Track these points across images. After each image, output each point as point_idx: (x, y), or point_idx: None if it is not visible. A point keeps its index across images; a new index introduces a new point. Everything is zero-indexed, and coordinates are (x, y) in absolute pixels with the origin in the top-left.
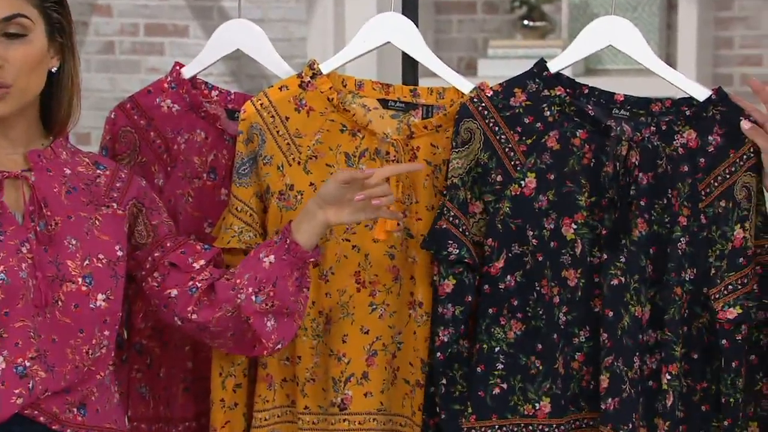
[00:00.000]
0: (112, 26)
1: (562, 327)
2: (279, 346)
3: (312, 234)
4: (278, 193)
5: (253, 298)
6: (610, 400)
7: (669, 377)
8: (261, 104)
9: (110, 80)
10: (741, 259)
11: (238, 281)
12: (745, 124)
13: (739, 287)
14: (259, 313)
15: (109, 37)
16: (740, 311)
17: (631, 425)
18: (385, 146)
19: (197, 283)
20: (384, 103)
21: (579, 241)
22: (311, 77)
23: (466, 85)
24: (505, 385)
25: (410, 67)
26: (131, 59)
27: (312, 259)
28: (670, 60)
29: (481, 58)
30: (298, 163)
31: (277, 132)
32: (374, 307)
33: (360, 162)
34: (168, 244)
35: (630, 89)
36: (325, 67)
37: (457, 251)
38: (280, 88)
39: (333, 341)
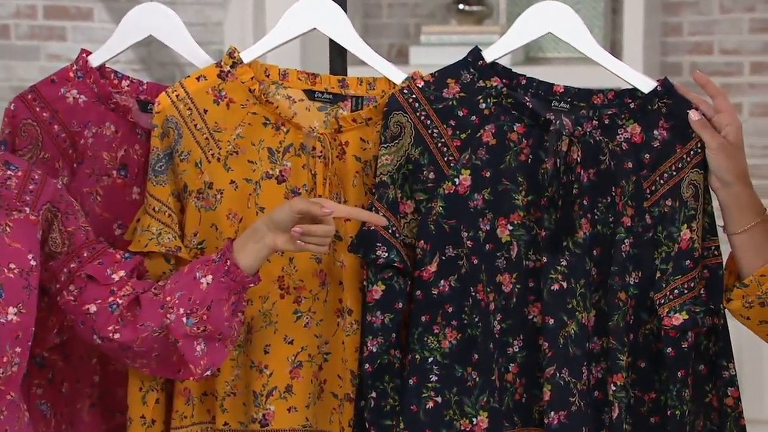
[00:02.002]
0: (7, 8)
1: (496, 336)
2: (208, 372)
3: (256, 257)
4: (196, 191)
5: (185, 320)
6: (553, 414)
7: (614, 388)
8: (177, 96)
9: (6, 68)
10: (688, 262)
11: (168, 299)
12: (693, 115)
13: (686, 291)
14: (189, 337)
15: (4, 20)
16: (686, 317)
17: None
18: (312, 141)
19: (118, 298)
20: (310, 94)
21: (514, 243)
22: (231, 66)
23: (398, 75)
24: (439, 399)
25: (338, 56)
26: (29, 45)
27: (252, 285)
28: (615, 47)
29: (413, 45)
30: (218, 159)
31: (195, 126)
32: (299, 314)
33: (284, 158)
34: (85, 254)
35: (574, 79)
36: (247, 56)
37: (387, 254)
38: (198, 78)
39: (254, 352)
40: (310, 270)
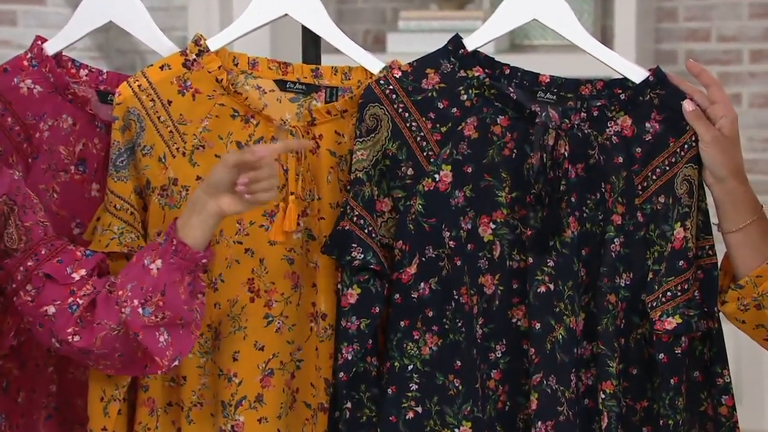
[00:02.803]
0: None
1: (478, 341)
2: (175, 362)
3: (203, 230)
4: (160, 188)
5: (140, 310)
6: (540, 423)
7: (604, 396)
8: (139, 86)
9: None
10: (681, 262)
11: (120, 293)
12: (687, 106)
13: (679, 294)
14: (148, 328)
15: None
16: (680, 321)
17: None
18: (283, 134)
19: (78, 299)
20: (282, 84)
21: (497, 242)
22: (197, 55)
23: (374, 64)
24: (419, 409)
25: (311, 44)
26: None
27: (204, 260)
28: (606, 34)
29: (390, 31)
30: (183, 153)
31: (158, 118)
32: (270, 319)
33: None
34: (43, 251)
35: (563, 68)
36: (213, 43)
37: (362, 256)
38: (162, 68)
39: (222, 359)
40: (282, 271)
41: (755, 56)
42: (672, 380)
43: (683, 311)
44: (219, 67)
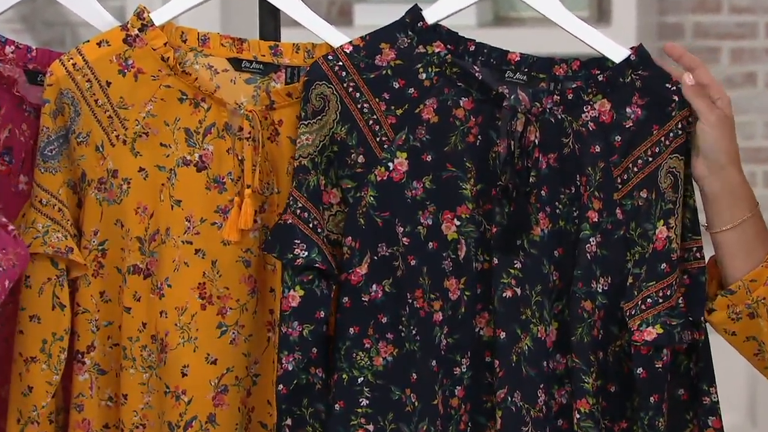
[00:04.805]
0: None
1: (442, 353)
2: None
3: None
4: (97, 181)
5: None
6: None
7: (579, 415)
8: (74, 65)
9: None
10: (664, 265)
11: None
12: (687, 79)
13: (661, 301)
14: None
15: None
16: (661, 331)
17: None
18: (238, 120)
19: None
20: (236, 63)
21: (462, 241)
22: (140, 29)
23: (340, 39)
24: (371, 427)
25: (269, 16)
26: None
27: None
28: (603, 5)
29: (357, 2)
30: (124, 142)
31: (96, 101)
32: (224, 329)
33: (205, 140)
34: None
35: (552, 43)
36: (158, 17)
37: (306, 253)
38: (99, 44)
39: (169, 375)
40: (238, 275)
41: None
42: (652, 398)
43: (665, 320)
44: (165, 44)
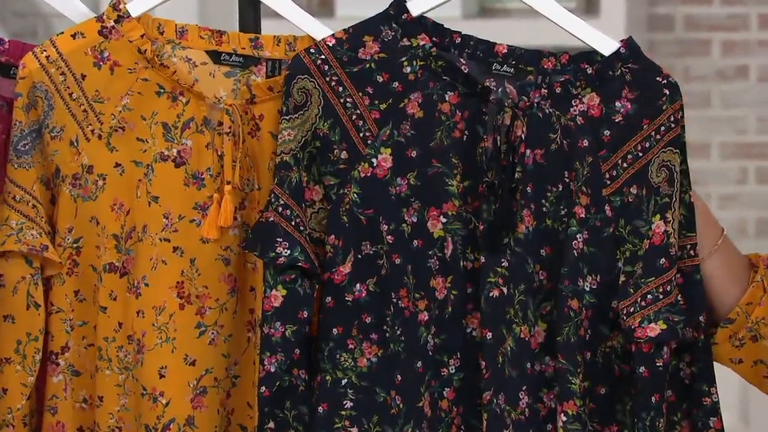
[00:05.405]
0: None
1: (429, 353)
2: None
3: None
4: (72, 177)
5: None
6: None
7: (565, 418)
8: (47, 57)
9: None
10: (663, 260)
11: None
12: None
13: (661, 297)
14: None
15: None
16: (664, 327)
17: None
18: (218, 114)
19: None
20: (215, 56)
21: (449, 239)
22: (116, 21)
23: (322, 31)
24: (355, 430)
25: (249, 8)
26: None
27: None
28: None
29: None
30: (99, 136)
31: (70, 95)
32: (203, 329)
33: (183, 135)
34: None
35: (540, 35)
36: (135, 8)
37: (288, 252)
38: (74, 36)
39: (146, 376)
40: (217, 274)
41: (765, 22)
42: (653, 398)
43: (667, 316)
44: (142, 36)
